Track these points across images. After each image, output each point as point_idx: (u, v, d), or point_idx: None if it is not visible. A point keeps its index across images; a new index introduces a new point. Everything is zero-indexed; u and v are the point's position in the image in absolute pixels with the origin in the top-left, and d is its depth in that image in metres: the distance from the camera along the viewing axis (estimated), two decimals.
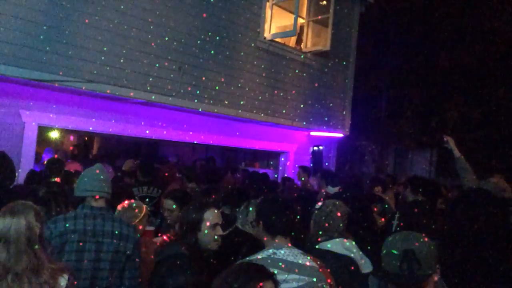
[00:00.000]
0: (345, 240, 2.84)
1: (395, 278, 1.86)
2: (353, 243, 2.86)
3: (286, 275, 2.14)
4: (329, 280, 2.28)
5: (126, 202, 3.38)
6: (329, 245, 2.77)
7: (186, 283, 2.38)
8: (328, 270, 2.34)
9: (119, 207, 3.33)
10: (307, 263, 2.26)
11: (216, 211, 2.67)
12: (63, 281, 2.01)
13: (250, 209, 3.26)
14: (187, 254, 2.49)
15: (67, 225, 2.69)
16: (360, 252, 2.82)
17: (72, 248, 2.66)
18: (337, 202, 3.02)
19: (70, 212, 2.90)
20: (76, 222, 2.71)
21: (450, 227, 2.83)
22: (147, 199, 5.01)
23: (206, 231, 2.57)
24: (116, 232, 2.76)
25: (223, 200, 3.93)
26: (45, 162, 5.45)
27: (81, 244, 2.67)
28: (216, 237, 2.59)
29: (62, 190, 3.58)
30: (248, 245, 2.98)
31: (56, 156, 7.12)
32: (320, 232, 2.89)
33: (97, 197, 2.82)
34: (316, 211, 2.97)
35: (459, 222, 2.57)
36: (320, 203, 3.02)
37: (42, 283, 1.94)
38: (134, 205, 3.36)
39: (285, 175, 8.52)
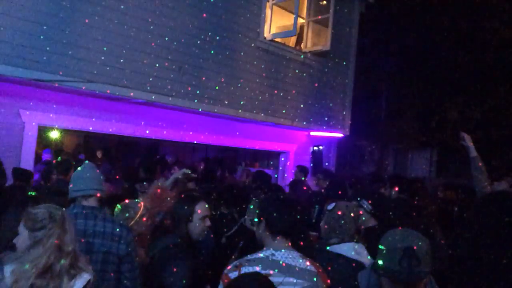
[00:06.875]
0: (355, 243, 2.76)
1: (395, 274, 1.86)
2: (363, 246, 2.78)
3: (283, 278, 2.10)
4: (327, 282, 2.23)
5: (124, 202, 3.31)
6: (339, 248, 2.71)
7: (187, 270, 2.54)
8: (322, 271, 2.27)
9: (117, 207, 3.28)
10: (305, 266, 2.20)
11: (205, 204, 2.89)
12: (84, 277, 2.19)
13: (251, 207, 3.24)
14: (183, 244, 2.70)
15: None
16: (369, 257, 2.72)
17: None
18: (349, 204, 2.93)
19: None
20: None
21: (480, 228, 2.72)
22: None
23: (197, 223, 2.80)
24: (108, 233, 2.67)
25: (222, 199, 3.93)
26: (53, 163, 5.47)
27: None
28: (204, 228, 2.84)
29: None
30: (245, 239, 3.00)
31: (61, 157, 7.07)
32: (331, 234, 2.80)
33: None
34: (327, 213, 2.88)
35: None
36: (332, 205, 2.91)
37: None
38: (130, 206, 3.17)
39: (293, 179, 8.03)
